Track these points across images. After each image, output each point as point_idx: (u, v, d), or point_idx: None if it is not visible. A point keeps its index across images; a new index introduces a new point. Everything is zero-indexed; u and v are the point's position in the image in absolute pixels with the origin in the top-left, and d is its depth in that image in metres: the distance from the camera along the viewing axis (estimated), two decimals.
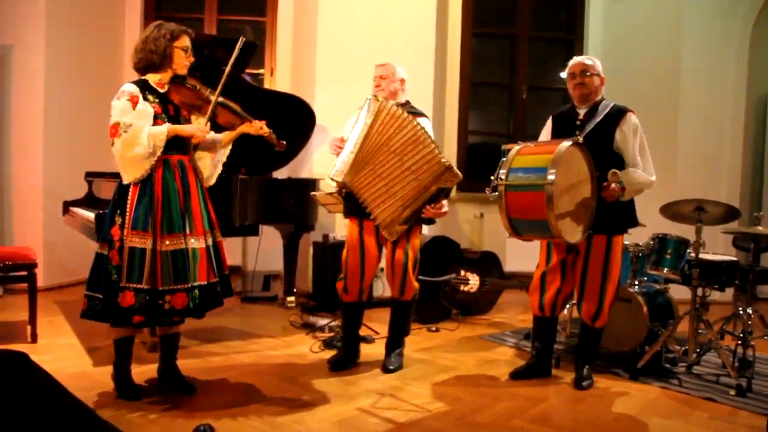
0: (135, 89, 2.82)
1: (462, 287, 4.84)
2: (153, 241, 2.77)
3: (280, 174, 5.34)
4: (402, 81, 3.48)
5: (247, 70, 4.88)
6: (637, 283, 3.83)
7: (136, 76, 2.98)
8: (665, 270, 3.67)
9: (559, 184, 2.88)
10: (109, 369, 3.06)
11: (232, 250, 6.18)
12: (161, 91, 2.90)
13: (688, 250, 3.64)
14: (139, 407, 2.82)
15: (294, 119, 4.87)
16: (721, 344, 3.54)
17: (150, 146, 2.74)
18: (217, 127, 3.09)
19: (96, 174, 4.72)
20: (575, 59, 3.37)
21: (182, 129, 2.86)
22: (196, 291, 2.84)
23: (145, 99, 2.83)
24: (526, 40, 6.51)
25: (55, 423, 1.86)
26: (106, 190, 4.27)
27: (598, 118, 3.25)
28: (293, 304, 4.98)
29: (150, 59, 2.87)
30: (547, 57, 6.84)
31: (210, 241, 2.95)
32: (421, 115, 3.49)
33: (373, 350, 3.82)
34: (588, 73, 3.27)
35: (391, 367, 3.49)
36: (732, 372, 3.34)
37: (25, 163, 5.31)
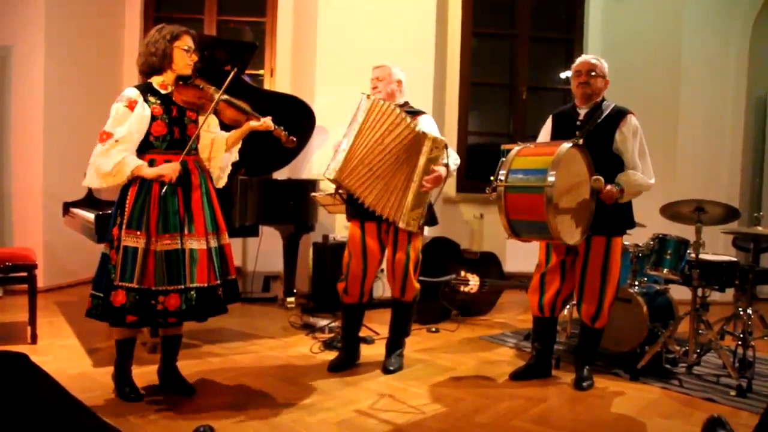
0: (134, 93, 2.82)
1: (462, 288, 4.84)
2: (146, 240, 2.76)
3: (280, 175, 5.34)
4: (399, 82, 3.48)
5: (247, 71, 4.88)
6: (637, 283, 3.83)
7: (135, 76, 2.99)
8: (665, 270, 3.67)
9: (558, 186, 2.88)
10: (109, 370, 3.06)
11: (232, 250, 6.18)
12: (164, 92, 2.90)
13: (688, 251, 3.64)
14: (140, 408, 2.82)
15: (294, 120, 4.85)
16: (722, 345, 3.54)
17: (114, 171, 2.76)
18: (224, 126, 3.09)
19: None
20: (583, 57, 3.36)
21: (147, 172, 2.79)
22: (193, 293, 2.81)
23: (146, 101, 2.82)
24: (526, 40, 6.51)
25: (55, 424, 1.86)
26: (106, 192, 4.27)
27: (599, 120, 3.25)
28: (293, 305, 4.98)
29: (151, 62, 2.88)
30: (547, 57, 6.85)
31: (214, 244, 2.93)
32: (421, 113, 3.48)
33: (373, 351, 3.82)
34: (593, 73, 3.27)
35: (392, 368, 3.49)
36: (732, 372, 3.34)
37: (25, 164, 5.31)
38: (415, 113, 3.42)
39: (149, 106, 2.83)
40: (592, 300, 3.29)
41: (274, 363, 3.61)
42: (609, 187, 3.11)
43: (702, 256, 3.54)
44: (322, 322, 4.35)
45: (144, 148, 2.85)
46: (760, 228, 3.56)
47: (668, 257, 3.66)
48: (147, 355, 3.54)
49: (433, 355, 3.90)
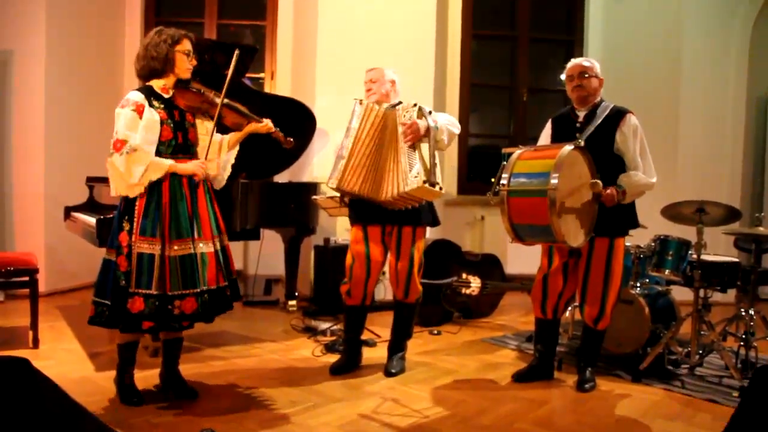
0: (140, 97, 2.81)
1: (463, 290, 4.83)
2: (162, 246, 2.77)
3: (281, 178, 5.34)
4: (393, 82, 3.48)
5: (248, 74, 4.88)
6: (638, 284, 3.82)
7: (136, 80, 2.98)
8: (667, 271, 3.66)
9: (561, 189, 2.88)
10: (111, 374, 3.06)
11: (234, 254, 6.13)
12: (166, 96, 2.90)
13: (689, 252, 3.64)
14: (142, 412, 2.82)
15: (294, 123, 4.86)
16: (724, 346, 3.54)
17: (143, 179, 2.75)
18: (223, 129, 3.09)
19: (97, 179, 4.71)
20: (573, 61, 3.36)
21: (184, 168, 2.84)
22: (206, 295, 2.84)
23: (151, 105, 2.82)
24: (526, 41, 6.51)
25: (57, 429, 1.86)
26: (107, 195, 4.26)
27: (598, 121, 3.24)
28: (295, 308, 4.98)
29: (152, 66, 2.87)
30: (547, 59, 6.85)
31: (218, 246, 2.95)
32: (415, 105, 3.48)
33: (375, 354, 3.82)
34: (586, 75, 3.27)
35: (394, 371, 3.49)
36: (735, 373, 3.34)
37: (26, 169, 5.31)
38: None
39: (155, 111, 2.83)
40: (594, 302, 3.29)
41: (276, 366, 3.61)
42: (609, 190, 3.10)
43: (703, 257, 3.54)
44: (324, 325, 4.35)
45: None
46: (761, 228, 3.56)
47: (670, 258, 3.65)
48: (149, 359, 3.54)
49: (435, 357, 3.89)
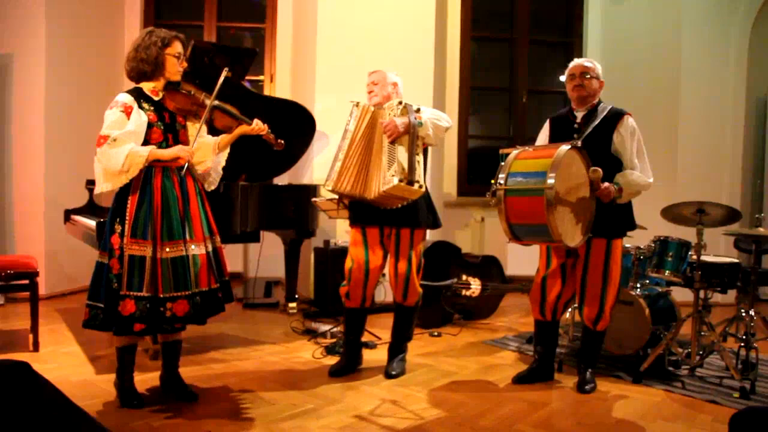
0: (129, 99, 2.81)
1: (464, 292, 4.83)
2: (153, 248, 2.76)
3: (281, 180, 5.35)
4: (394, 84, 3.48)
5: (247, 77, 4.89)
6: (639, 285, 3.82)
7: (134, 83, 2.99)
8: (667, 272, 3.66)
9: (558, 188, 2.88)
10: (111, 377, 3.06)
11: (234, 256, 6.20)
12: (156, 98, 2.89)
13: (689, 253, 3.64)
14: (142, 415, 2.82)
15: (294, 125, 4.88)
16: (724, 346, 3.54)
17: (126, 166, 2.73)
18: (213, 131, 3.08)
19: None
20: (576, 61, 3.37)
21: (164, 153, 2.81)
22: (198, 297, 2.84)
23: (140, 107, 2.82)
24: (525, 43, 6.53)
25: None
26: (107, 198, 4.27)
27: (596, 121, 3.25)
28: (295, 311, 4.98)
29: (141, 68, 2.85)
30: (546, 60, 6.86)
31: (210, 247, 2.95)
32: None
33: (375, 356, 3.82)
34: (588, 75, 3.28)
35: (394, 373, 3.49)
36: (735, 374, 3.34)
37: (26, 172, 5.32)
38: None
39: (144, 113, 2.82)
40: (593, 303, 3.29)
41: (276, 368, 3.61)
42: (606, 184, 3.10)
43: (704, 257, 3.54)
44: (324, 327, 4.35)
45: None
46: (761, 229, 3.56)
47: (670, 259, 3.65)
48: (149, 362, 3.54)
49: (435, 359, 3.89)
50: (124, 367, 2.96)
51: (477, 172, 6.49)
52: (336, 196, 3.53)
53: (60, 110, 5.36)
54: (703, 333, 3.54)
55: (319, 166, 5.30)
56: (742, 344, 3.54)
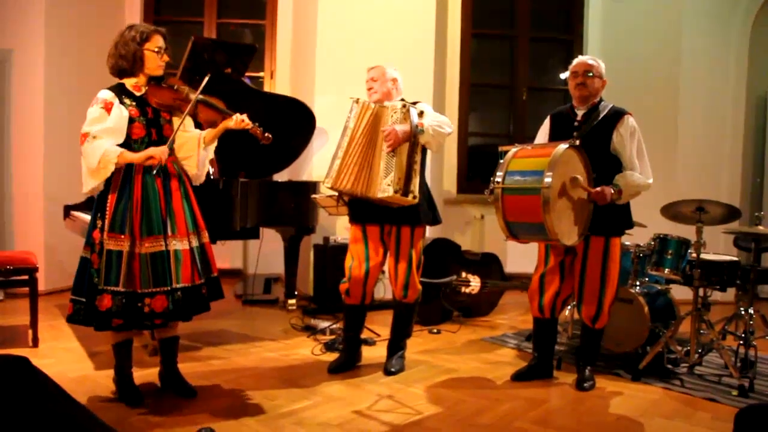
0: (109, 95, 2.80)
1: (463, 289, 4.84)
2: (131, 243, 2.74)
3: (281, 177, 5.35)
4: (394, 80, 3.47)
5: (247, 74, 4.88)
6: (638, 283, 3.82)
7: None
8: (666, 270, 3.66)
9: (555, 187, 2.88)
10: (110, 373, 3.06)
11: (233, 253, 6.21)
12: (138, 94, 2.87)
13: (689, 251, 3.64)
14: (141, 411, 2.82)
15: (294, 122, 4.88)
16: (723, 344, 3.54)
17: (102, 163, 2.73)
18: (197, 126, 3.06)
19: None
20: (579, 58, 3.37)
21: (134, 157, 2.78)
22: (179, 293, 2.81)
23: (122, 103, 2.80)
24: (525, 41, 6.51)
25: (57, 427, 1.86)
26: None
27: (596, 120, 3.25)
28: (294, 307, 4.98)
29: (120, 65, 2.84)
30: (546, 58, 6.85)
31: (195, 243, 2.92)
32: (416, 104, 3.47)
33: (374, 353, 3.82)
34: (590, 74, 3.27)
35: (393, 370, 3.49)
36: (734, 372, 3.34)
37: (25, 167, 5.31)
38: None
39: (126, 108, 2.80)
40: (591, 300, 3.29)
41: (276, 365, 3.61)
42: (599, 188, 3.09)
43: (703, 255, 3.54)
44: (323, 324, 4.35)
45: None
46: (761, 227, 3.56)
47: (669, 257, 3.65)
48: (149, 357, 3.55)
49: (434, 356, 3.90)
50: (122, 363, 2.96)
51: (477, 169, 6.49)
52: (335, 193, 3.53)
53: (59, 106, 5.35)
54: (702, 331, 3.54)
55: (319, 163, 5.30)
56: (741, 342, 3.54)
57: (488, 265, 5.01)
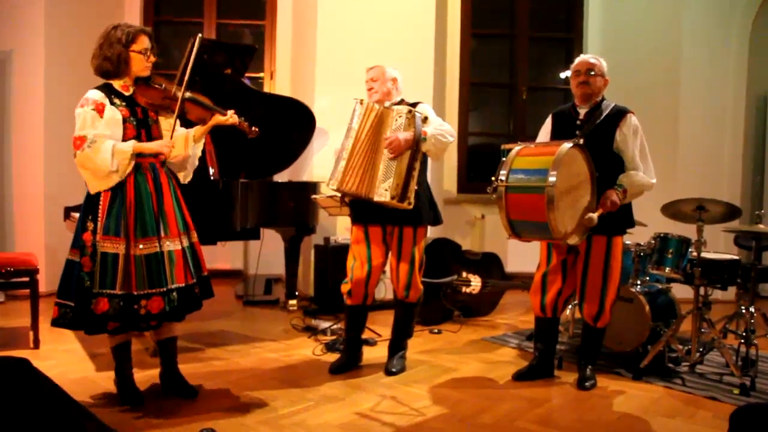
0: (100, 95, 2.75)
1: (464, 289, 4.83)
2: (126, 245, 2.72)
3: (281, 177, 5.34)
4: (394, 80, 3.47)
5: (247, 74, 4.89)
6: (639, 282, 3.82)
7: None
8: (667, 269, 3.66)
9: (559, 186, 2.88)
10: (111, 374, 3.06)
11: (234, 254, 6.21)
12: (126, 94, 2.84)
13: (689, 249, 3.64)
14: (142, 412, 2.82)
15: (294, 122, 4.88)
16: (724, 343, 3.54)
17: (114, 165, 2.70)
18: (188, 124, 3.03)
19: None
20: (582, 57, 3.36)
21: (147, 147, 2.78)
22: (174, 294, 2.81)
23: (112, 103, 2.77)
24: (525, 40, 6.51)
25: (58, 429, 1.86)
26: None
27: (599, 119, 3.24)
28: (295, 308, 4.98)
29: (105, 67, 2.79)
30: (546, 57, 6.85)
31: (186, 243, 2.92)
32: (417, 103, 3.47)
33: (375, 353, 3.82)
34: (592, 73, 3.27)
35: (394, 370, 3.49)
36: (735, 371, 3.34)
37: (26, 169, 5.31)
38: (412, 105, 3.41)
39: (117, 108, 2.77)
40: (593, 300, 3.29)
41: (276, 365, 3.61)
42: (609, 201, 3.09)
43: (704, 254, 3.54)
44: (324, 325, 4.35)
45: None
46: (761, 226, 3.55)
47: (670, 256, 3.65)
48: (150, 358, 3.54)
49: (435, 356, 3.89)
50: (122, 365, 2.96)
51: (477, 169, 6.48)
52: (338, 195, 3.53)
53: (59, 107, 5.34)
54: (703, 330, 3.54)
55: (319, 164, 5.30)
56: (742, 341, 3.54)
57: (489, 264, 5.01)
